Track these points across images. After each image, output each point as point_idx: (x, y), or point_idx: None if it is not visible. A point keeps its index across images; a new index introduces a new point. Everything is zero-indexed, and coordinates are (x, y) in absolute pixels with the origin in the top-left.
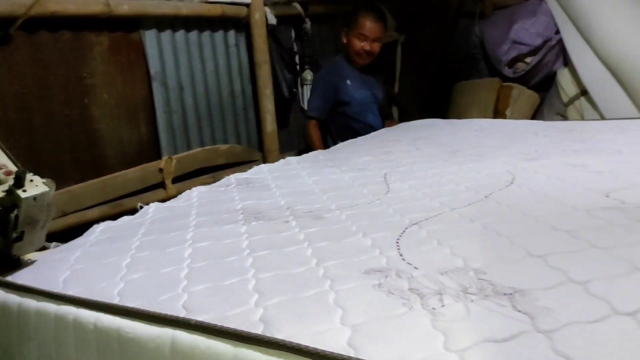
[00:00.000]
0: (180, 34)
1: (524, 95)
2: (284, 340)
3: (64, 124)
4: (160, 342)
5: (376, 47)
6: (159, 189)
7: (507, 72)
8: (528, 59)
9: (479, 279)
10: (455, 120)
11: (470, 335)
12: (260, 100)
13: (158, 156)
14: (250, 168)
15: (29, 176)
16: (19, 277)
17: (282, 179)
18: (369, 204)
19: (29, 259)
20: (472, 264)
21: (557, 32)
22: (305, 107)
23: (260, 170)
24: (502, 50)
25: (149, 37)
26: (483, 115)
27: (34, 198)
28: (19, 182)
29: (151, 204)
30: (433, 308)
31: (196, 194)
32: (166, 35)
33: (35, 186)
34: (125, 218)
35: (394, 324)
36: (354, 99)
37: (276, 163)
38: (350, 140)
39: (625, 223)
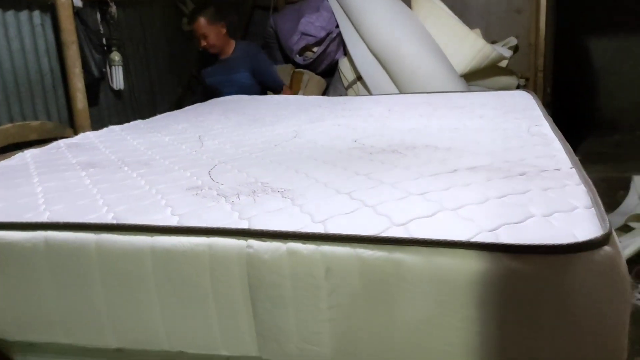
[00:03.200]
0: None
1: (313, 80)
2: (132, 224)
3: None
4: (35, 241)
5: (210, 39)
6: None
7: (298, 59)
8: (315, 49)
9: (264, 186)
10: (257, 97)
11: (255, 211)
12: (70, 79)
13: None
14: None
15: None
16: None
17: (109, 142)
18: (187, 155)
19: None
20: (260, 179)
21: (337, 26)
22: (115, 87)
23: (87, 137)
24: (292, 40)
25: None
26: None
27: None
28: None
29: None
30: (232, 201)
31: (29, 155)
32: None
33: None
34: None
35: (207, 211)
36: (206, 85)
37: (100, 131)
38: (168, 113)
39: (360, 155)
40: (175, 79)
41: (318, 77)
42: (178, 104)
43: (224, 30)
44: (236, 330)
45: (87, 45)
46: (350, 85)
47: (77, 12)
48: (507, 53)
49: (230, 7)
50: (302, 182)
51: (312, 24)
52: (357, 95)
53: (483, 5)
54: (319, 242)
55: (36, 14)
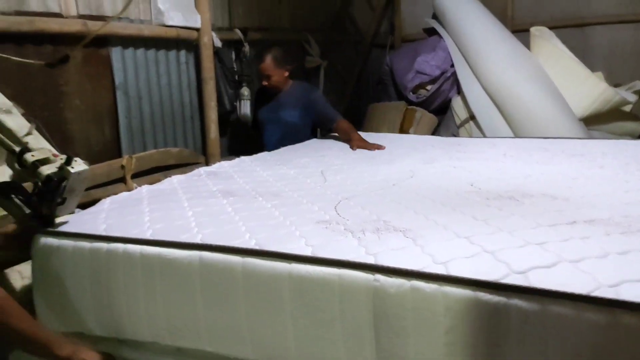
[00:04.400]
0: (140, 52)
1: (425, 118)
2: (274, 251)
3: (42, 124)
4: (191, 259)
5: (272, 79)
6: (120, 183)
7: (412, 97)
8: (429, 87)
9: (386, 224)
10: (373, 134)
11: (380, 247)
12: (206, 111)
13: (119, 155)
14: (195, 169)
15: (74, 157)
16: (65, 229)
17: (242, 172)
18: (312, 189)
19: (60, 220)
20: (382, 217)
21: (452, 65)
22: (242, 119)
23: (222, 166)
24: (407, 78)
25: (115, 53)
26: (391, 132)
27: (78, 173)
28: (69, 161)
29: (143, 186)
30: (359, 237)
31: (176, 180)
32: (129, 52)
33: (79, 164)
34: (125, 194)
35: (336, 244)
36: (258, 119)
37: (233, 161)
38: (290, 146)
39: (477, 199)
40: None
41: (430, 115)
42: None
43: (286, 74)
44: (359, 354)
45: (222, 81)
46: (462, 124)
47: (216, 51)
48: (632, 97)
49: (349, 46)
50: (421, 222)
51: (427, 63)
52: (469, 134)
53: (607, 48)
54: (440, 283)
55: (182, 53)
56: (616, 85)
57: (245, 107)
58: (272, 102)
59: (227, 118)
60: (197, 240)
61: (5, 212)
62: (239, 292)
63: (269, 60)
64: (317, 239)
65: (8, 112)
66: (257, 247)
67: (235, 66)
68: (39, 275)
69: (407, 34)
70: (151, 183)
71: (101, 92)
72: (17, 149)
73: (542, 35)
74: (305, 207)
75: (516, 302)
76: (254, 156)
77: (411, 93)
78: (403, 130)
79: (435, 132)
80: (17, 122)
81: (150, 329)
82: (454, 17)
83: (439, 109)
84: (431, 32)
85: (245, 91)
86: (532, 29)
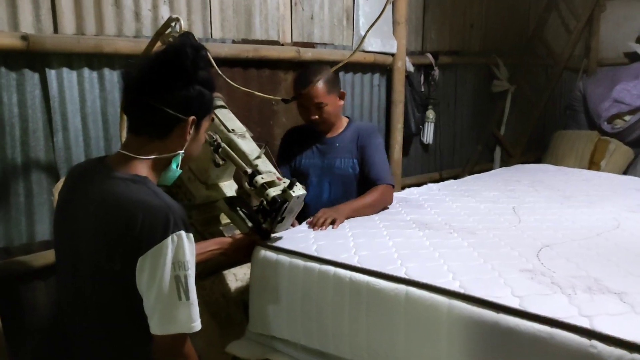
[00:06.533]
0: (340, 75)
1: (619, 150)
2: (483, 299)
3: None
4: (397, 292)
5: (325, 110)
6: None
7: (606, 127)
8: (627, 117)
9: (598, 283)
10: (564, 168)
11: (594, 310)
12: (392, 132)
13: None
14: None
15: (295, 182)
16: (282, 245)
17: (431, 201)
18: (507, 229)
19: (276, 236)
20: (592, 274)
21: None
22: (425, 141)
23: (411, 192)
24: (603, 106)
25: None
26: (579, 163)
27: (298, 197)
28: (291, 185)
29: None
30: (569, 294)
31: None
32: None
33: (299, 189)
34: None
35: (544, 298)
36: (297, 168)
37: (421, 188)
38: (476, 176)
39: None
40: (475, 136)
41: (626, 148)
42: (476, 161)
43: (341, 102)
44: None
45: (411, 104)
46: None
47: (407, 75)
48: None
49: (540, 69)
50: (637, 286)
51: (628, 91)
52: None
53: None
54: None
55: (376, 76)
56: None
57: (429, 130)
58: (317, 145)
59: (409, 140)
60: (402, 273)
61: (228, 221)
62: (442, 331)
63: (320, 84)
64: (524, 290)
65: (242, 136)
66: (462, 290)
67: (423, 89)
68: (257, 282)
69: (605, 57)
70: None
71: None
72: (249, 170)
73: None
74: (503, 250)
75: None
76: (441, 184)
77: (606, 123)
78: (593, 162)
79: (630, 166)
80: (250, 146)
81: (352, 348)
82: None
83: (636, 142)
84: (634, 57)
85: (430, 114)
86: None
